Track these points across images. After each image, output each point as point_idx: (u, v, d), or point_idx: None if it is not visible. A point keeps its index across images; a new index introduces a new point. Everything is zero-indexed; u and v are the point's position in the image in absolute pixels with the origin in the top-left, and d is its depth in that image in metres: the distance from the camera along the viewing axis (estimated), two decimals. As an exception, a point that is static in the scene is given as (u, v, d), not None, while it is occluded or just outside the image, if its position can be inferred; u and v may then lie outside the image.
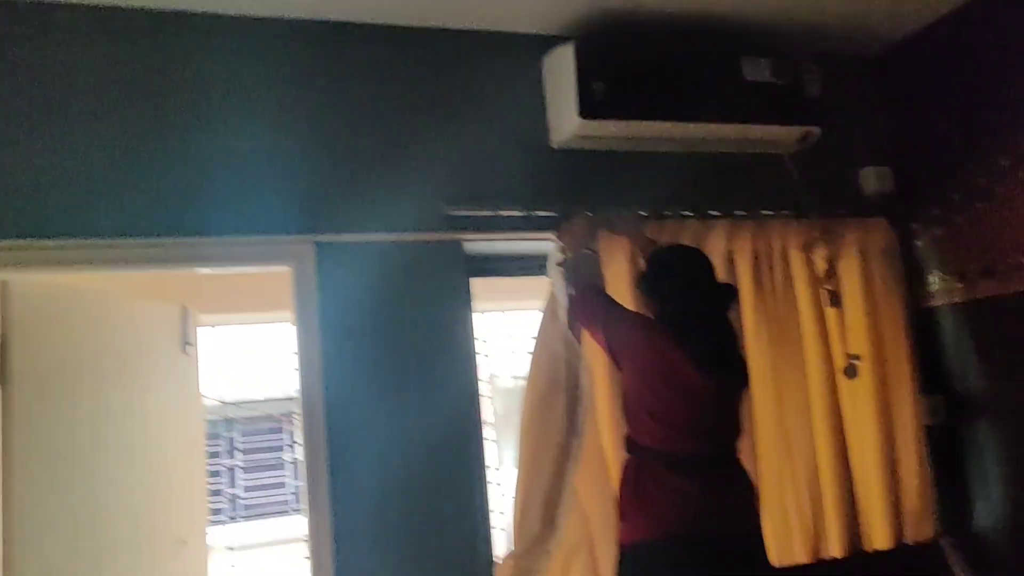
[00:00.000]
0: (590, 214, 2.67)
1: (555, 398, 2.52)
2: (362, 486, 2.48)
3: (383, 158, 2.64)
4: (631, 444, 2.22)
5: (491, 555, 2.60)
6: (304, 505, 2.49)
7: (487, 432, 2.95)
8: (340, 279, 2.55)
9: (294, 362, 2.52)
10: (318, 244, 2.53)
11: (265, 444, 9.17)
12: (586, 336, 2.46)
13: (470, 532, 2.57)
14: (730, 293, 2.32)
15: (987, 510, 2.94)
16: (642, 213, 2.78)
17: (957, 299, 3.02)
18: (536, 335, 2.60)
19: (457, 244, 2.68)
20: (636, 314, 2.34)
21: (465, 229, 2.67)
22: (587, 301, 2.36)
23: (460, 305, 2.69)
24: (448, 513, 2.56)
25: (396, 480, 2.52)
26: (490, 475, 2.79)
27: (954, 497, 3.03)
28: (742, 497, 2.19)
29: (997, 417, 2.91)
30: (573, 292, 2.46)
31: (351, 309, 2.56)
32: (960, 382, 3.03)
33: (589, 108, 2.62)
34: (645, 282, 2.34)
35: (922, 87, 3.15)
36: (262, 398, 8.50)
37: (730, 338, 2.27)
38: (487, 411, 3.47)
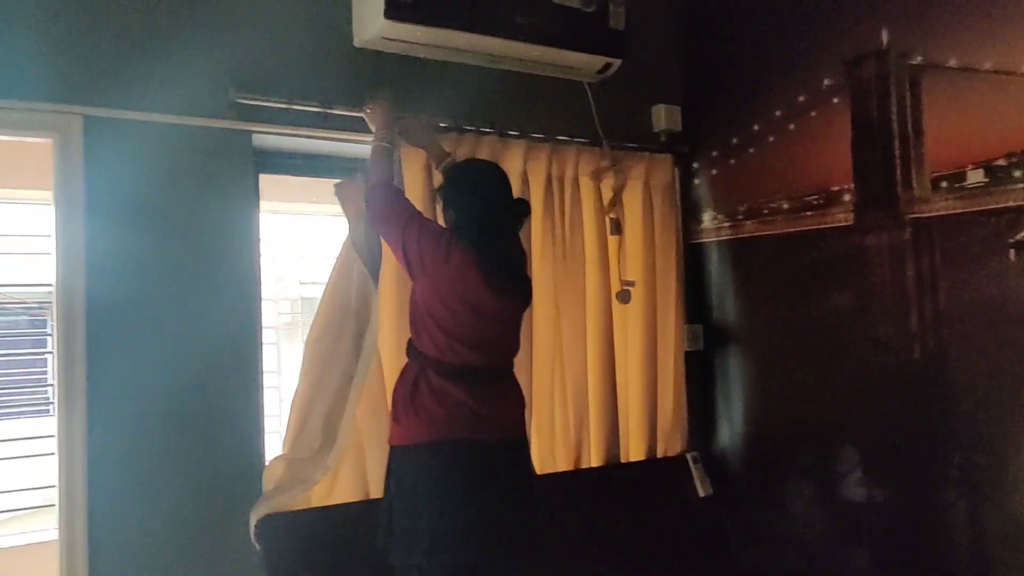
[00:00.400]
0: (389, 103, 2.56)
1: (346, 321, 2.50)
2: (125, 388, 2.33)
3: (167, 30, 2.42)
4: (412, 350, 2.24)
5: (263, 459, 2.56)
6: (57, 405, 2.30)
7: (269, 336, 2.88)
8: (111, 160, 2.33)
9: (53, 247, 2.31)
10: (86, 117, 2.29)
11: (22, 337, 8.45)
12: (385, 247, 2.43)
13: (243, 436, 2.50)
14: (524, 210, 2.33)
15: (729, 429, 3.27)
16: (442, 123, 2.76)
17: (724, 237, 3.27)
18: (336, 255, 2.54)
19: (246, 135, 2.53)
20: (434, 224, 2.30)
21: (256, 120, 2.53)
22: (384, 201, 2.29)
23: (246, 201, 2.55)
24: (220, 417, 2.46)
25: (164, 383, 2.38)
26: (269, 380, 2.73)
27: (703, 417, 3.34)
28: (512, 409, 2.28)
29: (745, 346, 3.22)
30: (367, 182, 2.38)
31: (122, 194, 2.35)
32: (718, 313, 3.31)
33: (395, 10, 2.53)
34: (443, 193, 2.33)
35: (717, 35, 3.32)
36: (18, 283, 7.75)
37: (520, 257, 2.33)
38: (271, 315, 3.37)
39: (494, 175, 2.31)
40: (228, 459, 2.48)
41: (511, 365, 2.32)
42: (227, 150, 2.51)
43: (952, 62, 2.56)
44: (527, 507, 2.24)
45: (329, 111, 2.57)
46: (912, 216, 2.68)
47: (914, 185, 2.67)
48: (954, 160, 2.57)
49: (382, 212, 2.28)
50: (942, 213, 2.60)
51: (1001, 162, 2.46)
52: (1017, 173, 2.43)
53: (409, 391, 2.19)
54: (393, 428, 2.23)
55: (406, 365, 2.26)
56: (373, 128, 2.50)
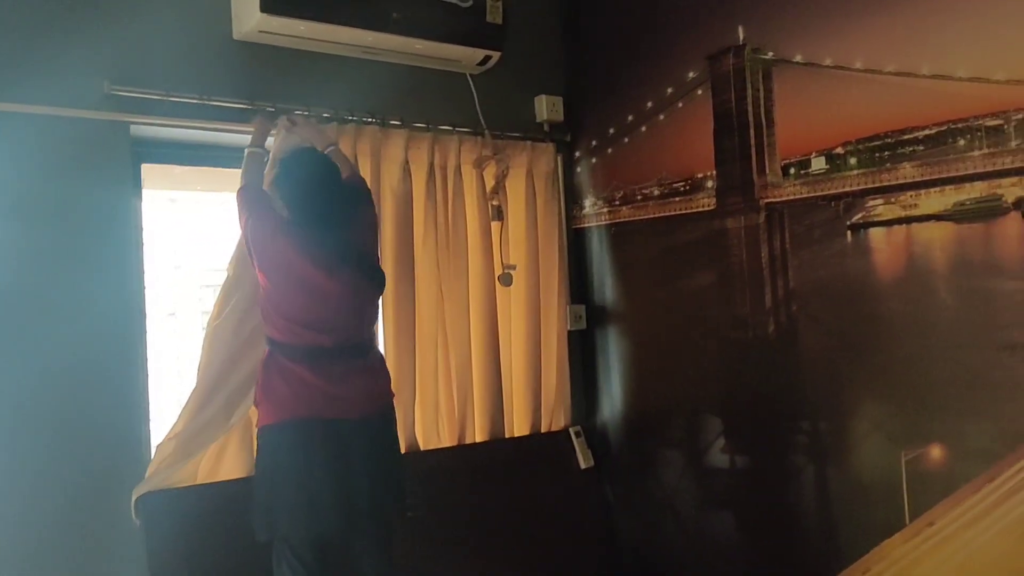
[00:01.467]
0: (271, 110, 2.70)
1: (241, 304, 2.58)
2: (7, 373, 2.38)
3: (43, 23, 2.46)
4: (267, 338, 2.36)
5: (147, 442, 2.62)
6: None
7: (160, 319, 2.94)
8: (-17, 152, 2.38)
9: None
10: (-38, 110, 2.34)
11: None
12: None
13: (126, 420, 2.57)
14: (354, 197, 2.43)
15: (609, 404, 3.45)
16: (325, 114, 2.85)
17: (603, 222, 3.43)
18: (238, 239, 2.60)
19: (124, 126, 2.59)
20: (270, 213, 2.38)
21: (133, 111, 2.58)
22: (243, 199, 2.41)
23: (126, 190, 2.61)
24: (104, 401, 2.53)
25: (48, 369, 2.44)
26: (167, 365, 2.78)
27: (586, 393, 3.51)
28: (369, 386, 2.38)
29: (623, 325, 3.39)
30: (240, 183, 2.49)
31: (2, 185, 2.39)
32: (599, 294, 3.47)
33: (272, 4, 2.61)
34: (275, 182, 2.42)
35: (594, 29, 3.47)
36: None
37: (355, 241, 2.40)
38: (168, 301, 3.41)
39: (317, 165, 2.38)
40: (111, 442, 2.54)
41: (365, 343, 2.42)
42: (105, 141, 2.56)
43: (798, 57, 2.75)
44: (390, 481, 2.37)
45: (208, 102, 2.65)
46: (766, 200, 2.87)
47: (767, 171, 2.86)
48: (801, 148, 2.77)
49: (239, 208, 2.41)
50: (791, 198, 2.80)
51: (839, 150, 2.67)
52: (852, 160, 2.63)
53: (263, 376, 2.32)
54: (257, 412, 2.35)
55: (265, 352, 2.37)
56: (251, 137, 2.60)
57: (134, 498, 2.48)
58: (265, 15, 2.61)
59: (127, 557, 2.49)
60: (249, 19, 2.67)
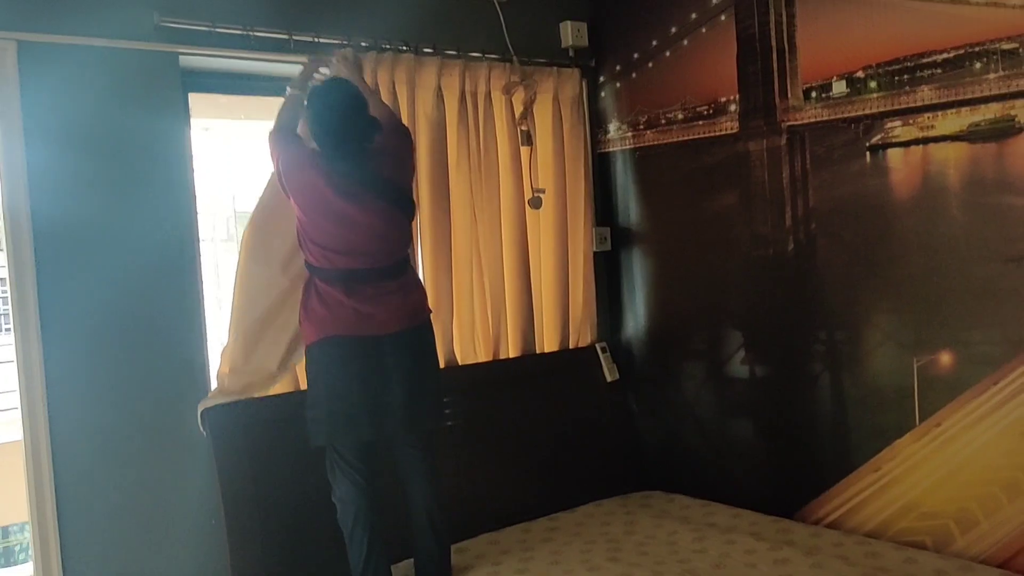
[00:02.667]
0: (313, 57, 2.79)
1: (278, 233, 2.71)
2: (74, 301, 2.54)
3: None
4: (306, 263, 2.54)
5: (206, 360, 2.81)
6: (12, 325, 2.49)
7: (210, 248, 3.09)
8: (45, 83, 2.48)
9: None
10: (20, 43, 2.43)
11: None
12: None
13: (186, 340, 2.74)
14: (372, 127, 2.47)
15: (633, 320, 3.62)
16: (363, 43, 2.95)
17: (627, 146, 3.55)
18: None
19: (173, 56, 2.69)
20: (301, 148, 2.50)
21: (182, 43, 2.68)
22: (276, 139, 2.54)
23: (176, 119, 2.73)
24: (164, 323, 2.69)
25: (111, 295, 2.59)
26: (210, 293, 2.93)
27: (611, 311, 3.68)
28: (401, 305, 2.53)
29: (647, 246, 3.54)
30: (275, 123, 2.61)
31: (58, 117, 2.51)
32: (623, 216, 3.62)
33: (311, -66, 2.69)
34: (306, 109, 2.53)
35: (619, -47, 3.53)
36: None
37: (382, 169, 2.50)
38: (206, 229, 3.55)
39: (342, 95, 2.45)
40: (173, 361, 2.72)
41: (397, 265, 2.56)
42: (156, 71, 2.67)
43: (821, -18, 2.84)
44: (425, 392, 2.55)
45: (252, 32, 2.74)
46: (788, 124, 2.99)
47: (789, 95, 2.97)
48: (822, 72, 2.88)
49: (271, 147, 2.54)
50: (812, 121, 2.92)
51: (859, 74, 2.78)
52: (872, 84, 2.74)
53: (304, 300, 2.52)
54: (302, 332, 2.56)
55: (306, 278, 2.55)
56: (294, 78, 2.70)
57: (200, 411, 2.67)
58: (305, -55, 2.69)
59: (198, 466, 2.70)
60: (289, -50, 2.75)
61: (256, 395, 2.76)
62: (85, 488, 2.55)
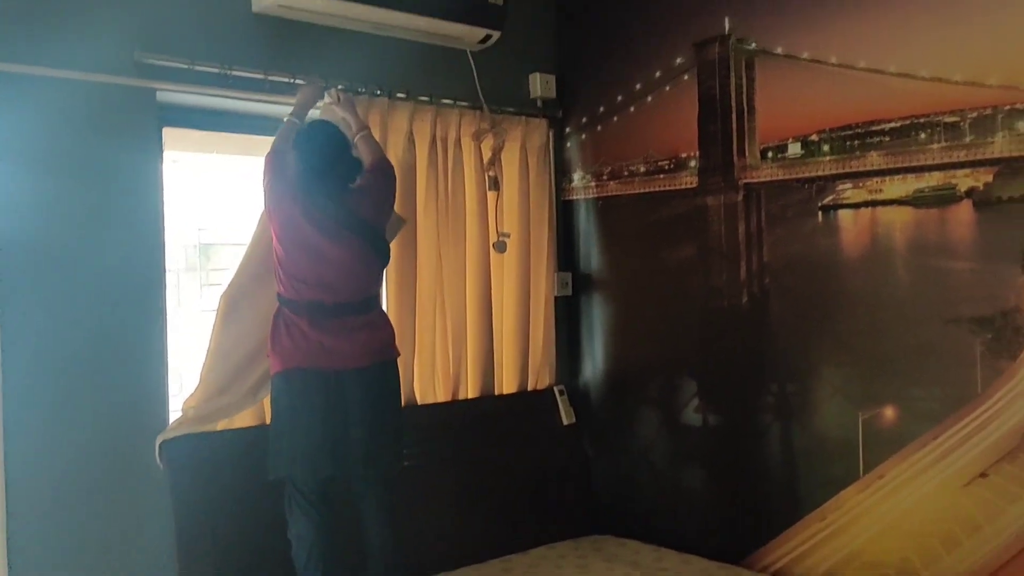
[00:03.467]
0: (322, 82, 2.86)
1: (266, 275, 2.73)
2: (36, 334, 2.53)
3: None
4: (277, 294, 2.59)
5: (166, 390, 2.81)
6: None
7: (178, 278, 3.10)
8: (20, 112, 2.50)
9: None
10: (-2, 73, 2.47)
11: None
12: None
13: (147, 369, 2.74)
14: (354, 168, 2.60)
15: (592, 365, 3.70)
16: (338, 86, 3.01)
17: (591, 195, 3.66)
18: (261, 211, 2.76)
19: (150, 91, 2.73)
20: (285, 178, 2.57)
21: (160, 79, 2.72)
22: (268, 162, 2.60)
23: (150, 152, 2.76)
24: (127, 352, 2.69)
25: (74, 323, 2.59)
26: (172, 322, 2.94)
27: (570, 354, 3.75)
28: (367, 341, 2.58)
29: (607, 292, 3.64)
30: (271, 147, 2.65)
31: (31, 145, 2.52)
32: (585, 262, 3.71)
33: (290, -21, 2.77)
34: (291, 149, 2.60)
35: (589, 9, 3.65)
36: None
37: (361, 209, 2.59)
38: (174, 259, 3.54)
39: (326, 137, 2.58)
40: (134, 392, 2.71)
41: (366, 302, 2.61)
42: (132, 105, 2.71)
43: (779, 49, 2.98)
44: (386, 430, 2.59)
45: (229, 72, 2.80)
46: (745, 181, 3.11)
47: (747, 154, 3.10)
48: (779, 134, 3.01)
49: (264, 170, 2.60)
50: (768, 179, 3.05)
51: (814, 137, 2.92)
52: (825, 147, 2.88)
53: (272, 329, 2.55)
54: (269, 362, 2.59)
55: (276, 308, 2.59)
56: (294, 106, 2.76)
57: (158, 444, 2.67)
58: (284, -9, 2.77)
59: (153, 500, 2.68)
60: (268, -6, 2.82)
61: (220, 425, 2.77)
62: (37, 518, 2.52)
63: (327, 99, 2.89)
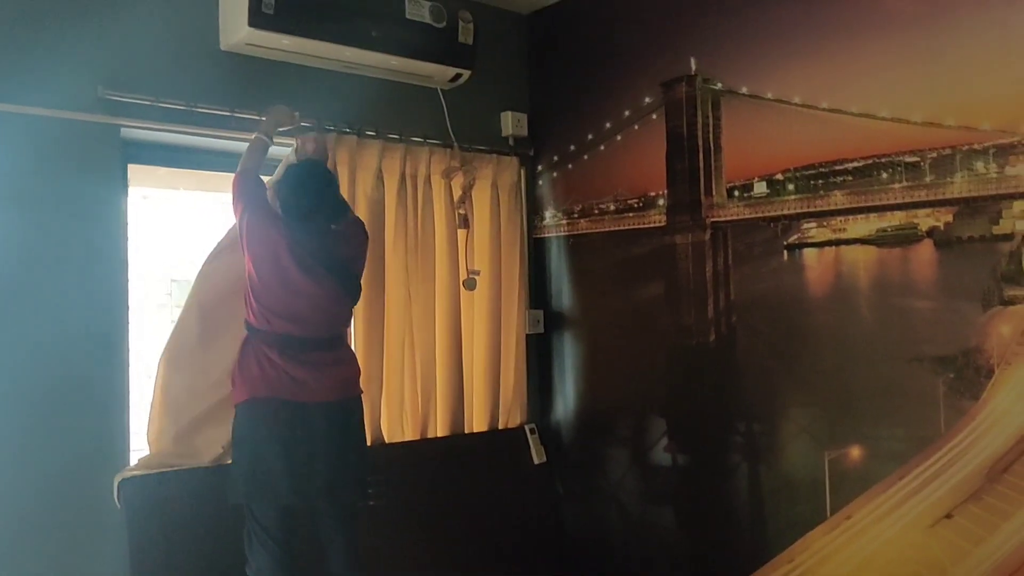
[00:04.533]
0: (291, 109, 2.84)
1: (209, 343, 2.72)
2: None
3: (39, 27, 2.59)
4: (245, 322, 2.58)
5: (127, 431, 2.77)
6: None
7: (141, 317, 3.08)
8: (-19, 148, 2.51)
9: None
10: (-41, 109, 2.47)
11: None
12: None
13: (109, 409, 2.71)
14: (339, 210, 2.63)
15: (563, 403, 3.67)
16: (305, 124, 3.02)
17: (562, 232, 3.66)
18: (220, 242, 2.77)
19: (115, 128, 2.73)
20: (266, 206, 2.58)
21: (124, 115, 2.72)
22: (240, 185, 2.59)
23: (114, 189, 2.76)
24: (88, 392, 2.67)
25: (34, 361, 2.57)
26: (140, 359, 2.92)
27: (541, 393, 3.73)
28: (334, 376, 2.58)
29: (578, 330, 3.62)
30: (239, 166, 2.66)
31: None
32: (556, 300, 3.70)
33: (258, 19, 2.78)
34: (275, 187, 2.63)
35: (560, 48, 3.69)
36: None
37: (341, 251, 2.61)
38: (144, 296, 3.53)
39: (314, 177, 2.59)
40: (94, 430, 2.68)
41: (335, 338, 2.62)
42: (97, 142, 2.71)
43: (744, 90, 3.01)
44: (349, 466, 2.56)
45: (194, 109, 2.81)
46: (712, 219, 3.12)
47: (714, 193, 3.11)
48: (745, 173, 3.03)
49: (236, 193, 2.59)
50: (734, 218, 3.06)
51: (779, 176, 2.93)
52: (790, 186, 2.89)
53: (240, 358, 2.55)
54: (233, 392, 2.57)
55: (244, 338, 2.58)
56: (263, 123, 2.76)
57: (116, 483, 2.63)
58: (252, 29, 2.78)
59: (109, 540, 2.63)
60: (237, 32, 2.83)
61: (187, 463, 2.73)
62: (-10, 559, 2.47)
63: (298, 144, 2.86)
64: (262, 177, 2.69)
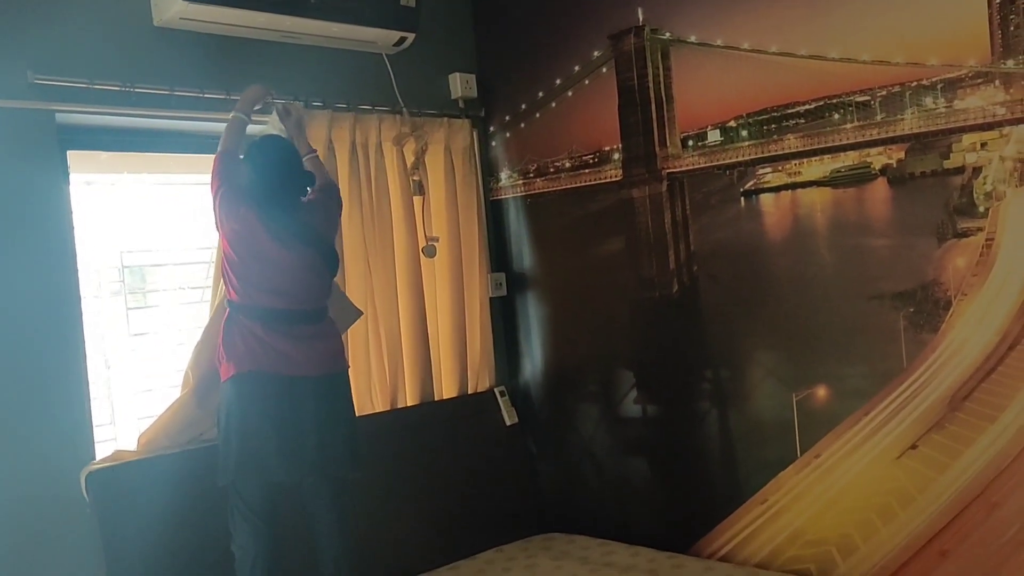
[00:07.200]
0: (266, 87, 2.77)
1: None
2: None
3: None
4: (227, 300, 2.55)
5: (90, 422, 2.71)
6: None
7: (97, 304, 3.01)
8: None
9: None
10: None
11: None
12: None
13: (68, 402, 2.64)
14: (306, 180, 2.62)
15: (531, 365, 3.68)
16: (279, 101, 2.92)
17: (519, 193, 3.63)
18: None
19: (49, 114, 2.63)
20: (236, 186, 2.54)
21: (58, 100, 2.62)
22: (218, 165, 2.55)
23: (53, 177, 2.66)
24: (45, 385, 2.59)
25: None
26: (97, 349, 2.84)
27: (508, 355, 3.73)
28: (318, 349, 2.56)
29: (541, 290, 3.62)
30: (219, 146, 2.61)
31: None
32: (518, 262, 3.69)
33: (192, -9, 2.69)
34: (244, 160, 2.58)
35: (503, 9, 3.63)
36: None
37: (314, 222, 2.60)
38: (94, 284, 3.44)
39: (281, 151, 2.59)
40: (54, 424, 2.61)
41: (316, 311, 2.60)
42: (31, 129, 2.60)
43: (693, 38, 2.99)
44: (338, 440, 2.55)
45: (133, 89, 2.71)
46: (667, 171, 3.12)
47: (668, 144, 3.11)
48: (698, 122, 3.02)
49: (213, 172, 2.55)
50: (690, 168, 3.06)
51: (732, 123, 2.93)
52: (744, 133, 2.90)
53: (223, 334, 2.51)
54: (219, 368, 2.53)
55: (226, 313, 2.54)
56: (239, 102, 2.70)
57: (83, 477, 2.58)
58: (186, 3, 2.68)
59: (82, 536, 2.58)
60: (170, 6, 2.73)
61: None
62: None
63: (277, 112, 2.80)
64: None
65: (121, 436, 3.10)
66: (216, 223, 2.54)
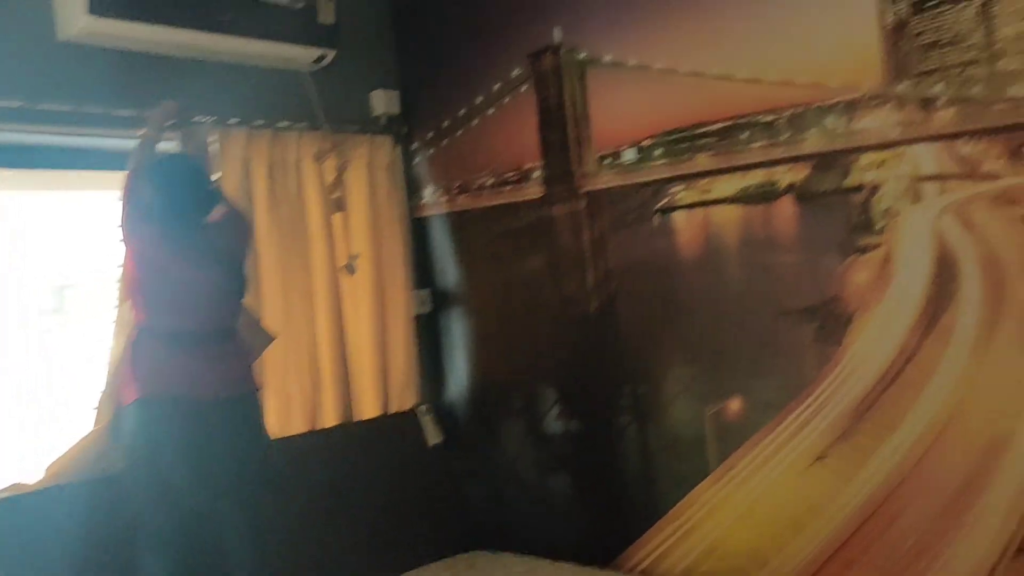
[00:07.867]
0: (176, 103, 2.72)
1: None
2: None
3: None
4: (135, 324, 2.48)
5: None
6: None
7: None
8: None
9: None
10: None
11: None
12: None
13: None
14: (213, 199, 2.57)
15: (456, 383, 3.66)
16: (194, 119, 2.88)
17: (443, 210, 3.63)
18: None
19: (-54, 132, 2.56)
20: (142, 204, 2.47)
21: (-45, 118, 2.56)
22: (127, 181, 2.49)
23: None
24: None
25: None
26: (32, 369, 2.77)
27: (433, 372, 3.71)
28: (230, 368, 2.50)
29: (465, 307, 3.61)
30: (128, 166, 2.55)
31: None
32: (442, 278, 3.68)
33: (99, 5, 2.63)
34: (148, 176, 2.50)
35: (425, 26, 3.63)
36: None
37: (222, 242, 2.54)
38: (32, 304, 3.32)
39: (183, 169, 2.54)
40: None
41: (222, 331, 2.53)
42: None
43: (608, 58, 3.03)
44: (251, 463, 2.50)
45: (35, 107, 2.65)
46: (585, 189, 3.15)
47: (585, 162, 3.14)
48: (614, 140, 3.06)
49: (123, 190, 2.49)
50: (607, 186, 3.09)
51: (646, 142, 2.97)
52: (658, 151, 2.94)
53: (128, 356, 2.44)
54: (123, 392, 2.46)
55: (131, 334, 2.48)
56: (148, 120, 2.66)
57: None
58: (92, 17, 2.63)
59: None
60: (76, 21, 2.67)
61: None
62: None
63: (180, 136, 2.77)
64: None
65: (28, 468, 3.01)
66: (124, 239, 2.49)
